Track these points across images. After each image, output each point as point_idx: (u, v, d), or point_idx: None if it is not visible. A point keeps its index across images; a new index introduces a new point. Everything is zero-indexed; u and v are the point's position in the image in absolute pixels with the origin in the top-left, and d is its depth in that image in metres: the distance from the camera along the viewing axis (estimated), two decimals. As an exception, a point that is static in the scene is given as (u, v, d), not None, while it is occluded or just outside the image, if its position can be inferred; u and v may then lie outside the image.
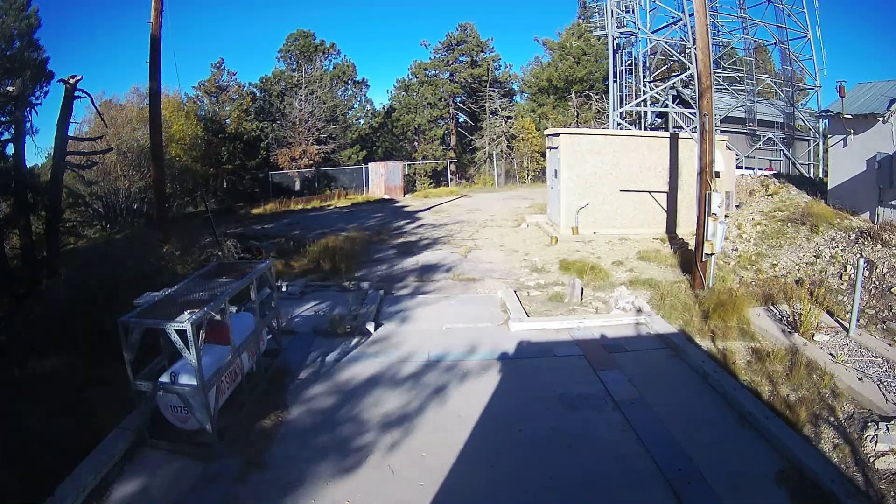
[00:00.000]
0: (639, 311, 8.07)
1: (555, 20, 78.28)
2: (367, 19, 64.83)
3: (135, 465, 4.62)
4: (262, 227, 16.65)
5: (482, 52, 34.32)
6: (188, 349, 4.47)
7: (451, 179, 29.90)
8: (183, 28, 49.11)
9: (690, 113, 22.56)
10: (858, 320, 7.05)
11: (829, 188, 12.47)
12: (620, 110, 24.64)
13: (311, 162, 28.78)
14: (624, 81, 25.85)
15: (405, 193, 25.30)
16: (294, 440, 5.00)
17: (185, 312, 4.66)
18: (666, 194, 13.83)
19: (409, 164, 28.56)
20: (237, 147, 28.82)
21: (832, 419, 5.16)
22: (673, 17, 23.76)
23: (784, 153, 24.59)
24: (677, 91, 24.77)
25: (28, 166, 11.65)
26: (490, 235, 14.51)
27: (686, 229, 12.85)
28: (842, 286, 8.30)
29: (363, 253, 12.31)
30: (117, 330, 4.58)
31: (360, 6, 64.21)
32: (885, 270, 8.25)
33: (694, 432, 5.01)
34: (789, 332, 6.88)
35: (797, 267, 9.36)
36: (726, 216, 11.98)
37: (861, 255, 8.33)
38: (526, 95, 36.26)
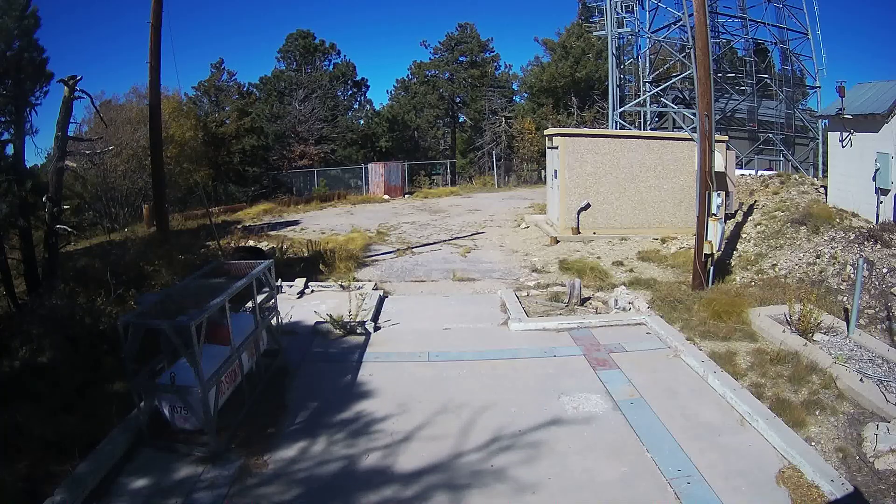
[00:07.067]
0: (639, 311, 8.08)
1: (555, 20, 78.53)
2: (367, 19, 64.98)
3: (135, 465, 4.61)
4: (262, 228, 16.65)
5: (482, 52, 34.40)
6: (188, 349, 4.47)
7: (451, 179, 29.90)
8: (183, 28, 49.14)
9: (690, 113, 22.55)
10: (858, 320, 7.05)
11: (829, 188, 12.48)
12: (620, 110, 24.64)
13: (311, 162, 28.79)
14: (624, 81, 25.86)
15: (405, 194, 25.28)
16: (293, 440, 5.00)
17: (185, 312, 4.65)
18: (665, 194, 13.84)
19: (408, 165, 28.57)
20: (236, 147, 28.84)
21: (833, 420, 5.16)
22: (673, 17, 23.79)
23: (784, 153, 24.59)
24: (678, 91, 24.78)
25: (28, 166, 11.62)
26: (490, 235, 14.52)
27: (686, 229, 12.84)
28: (842, 286, 8.30)
29: (363, 253, 12.31)
30: (117, 330, 4.58)
31: (360, 6, 64.31)
32: (885, 270, 8.25)
33: (694, 432, 5.01)
34: (790, 333, 6.87)
35: (797, 267, 9.36)
36: (729, 216, 11.99)
37: (861, 256, 8.33)
38: (526, 95, 36.30)
